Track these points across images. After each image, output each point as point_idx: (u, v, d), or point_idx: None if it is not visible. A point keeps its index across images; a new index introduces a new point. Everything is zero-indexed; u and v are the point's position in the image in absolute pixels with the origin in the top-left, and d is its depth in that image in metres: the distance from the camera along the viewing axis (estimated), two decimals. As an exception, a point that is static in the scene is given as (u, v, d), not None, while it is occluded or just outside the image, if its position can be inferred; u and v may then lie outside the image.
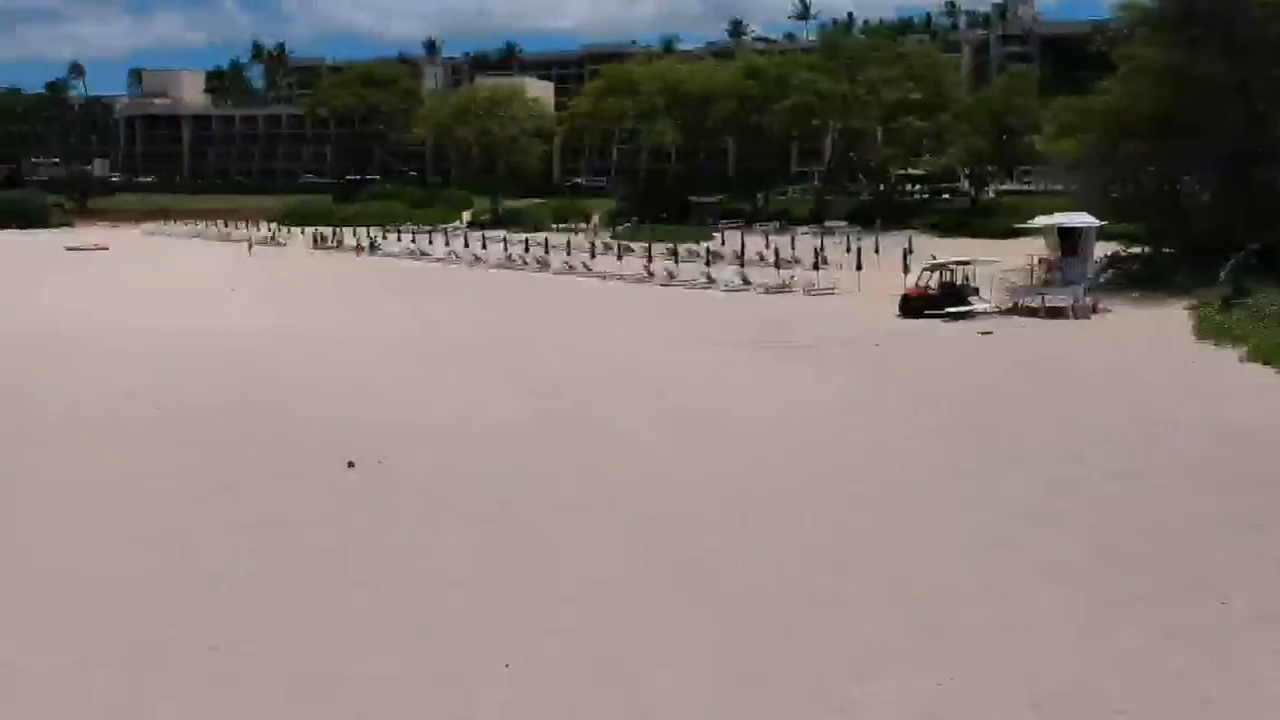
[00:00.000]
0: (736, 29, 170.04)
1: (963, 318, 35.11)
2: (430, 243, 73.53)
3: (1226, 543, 14.05)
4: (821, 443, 19.79)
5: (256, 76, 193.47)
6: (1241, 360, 26.32)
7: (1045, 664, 10.68)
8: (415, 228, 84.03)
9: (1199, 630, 11.42)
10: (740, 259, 53.76)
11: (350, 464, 17.97)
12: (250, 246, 76.12)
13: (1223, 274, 34.41)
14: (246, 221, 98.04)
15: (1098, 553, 13.70)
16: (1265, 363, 25.44)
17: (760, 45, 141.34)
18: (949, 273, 38.33)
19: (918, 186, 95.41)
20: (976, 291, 37.74)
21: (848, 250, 50.70)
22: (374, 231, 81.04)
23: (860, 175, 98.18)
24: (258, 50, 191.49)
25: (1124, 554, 13.66)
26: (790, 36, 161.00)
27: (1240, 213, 38.99)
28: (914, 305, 36.20)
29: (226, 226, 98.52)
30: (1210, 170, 42.03)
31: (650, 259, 52.76)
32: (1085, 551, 13.74)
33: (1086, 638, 11.29)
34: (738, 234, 67.87)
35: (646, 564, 13.63)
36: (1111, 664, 10.69)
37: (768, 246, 57.09)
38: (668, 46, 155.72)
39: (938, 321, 34.72)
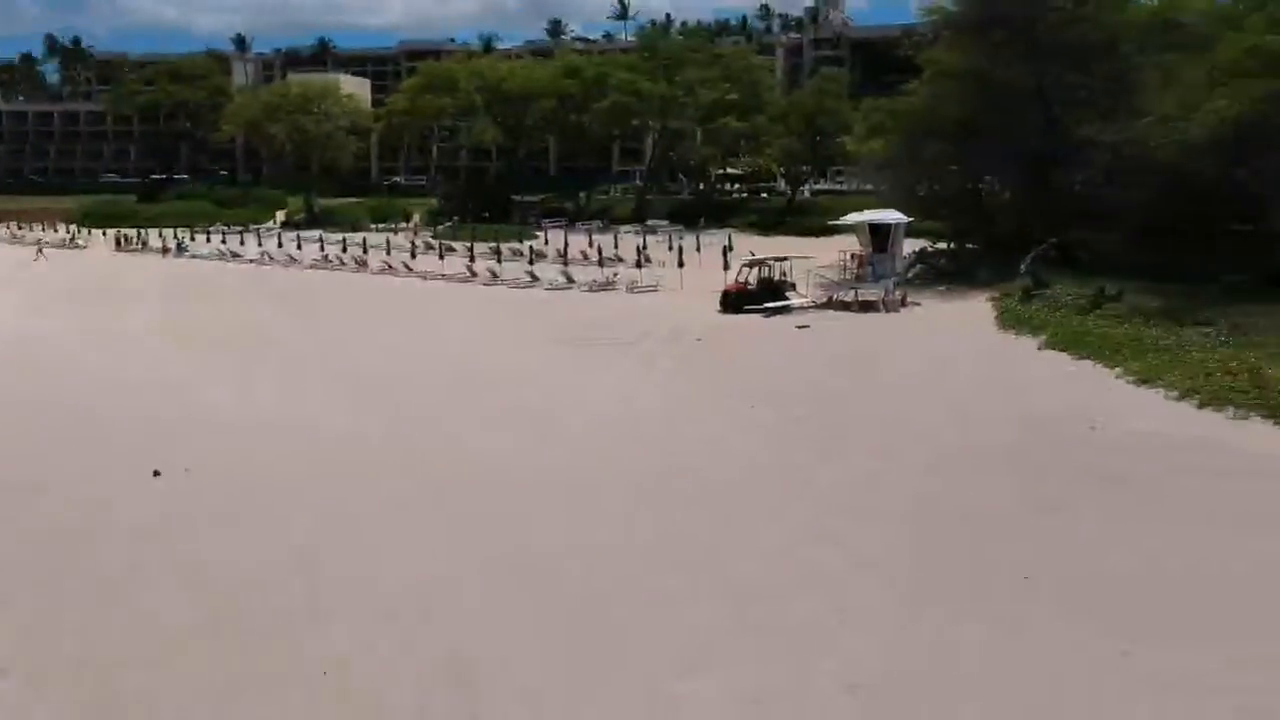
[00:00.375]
0: (555, 28, 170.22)
1: (780, 312, 35.85)
2: (242, 243, 70.91)
3: (1031, 527, 14.67)
4: (649, 439, 19.83)
5: (51, 71, 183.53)
6: (1040, 348, 27.69)
7: (862, 652, 10.92)
8: (226, 228, 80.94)
9: (1006, 613, 11.86)
10: (564, 258, 53.72)
11: (156, 473, 17.13)
12: (40, 249, 71.61)
13: (1022, 268, 36.13)
14: (42, 223, 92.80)
15: (913, 543, 14.11)
16: (1062, 349, 26.85)
17: (579, 45, 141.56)
18: (767, 269, 39.14)
19: (737, 186, 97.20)
20: (793, 287, 38.65)
21: (670, 248, 51.21)
22: (181, 232, 77.76)
23: (681, 175, 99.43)
24: (52, 44, 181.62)
25: (937, 543, 14.11)
26: (609, 37, 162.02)
27: (1038, 211, 40.98)
28: (734, 301, 36.82)
29: (20, 229, 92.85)
30: (1010, 171, 44.08)
31: (473, 258, 52.17)
32: (900, 542, 14.12)
33: (901, 625, 11.60)
34: (561, 233, 67.85)
35: (476, 563, 13.40)
36: (925, 649, 11.00)
37: (591, 245, 57.17)
38: (487, 45, 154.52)
39: (757, 316, 35.36)
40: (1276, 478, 16.46)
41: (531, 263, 51.16)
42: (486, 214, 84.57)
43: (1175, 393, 21.50)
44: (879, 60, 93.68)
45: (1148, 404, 21.37)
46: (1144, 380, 22.72)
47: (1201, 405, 20.57)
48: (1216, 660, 10.56)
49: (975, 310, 34.64)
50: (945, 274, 42.74)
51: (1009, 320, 31.81)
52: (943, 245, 47.28)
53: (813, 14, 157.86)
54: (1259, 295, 29.75)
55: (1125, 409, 21.04)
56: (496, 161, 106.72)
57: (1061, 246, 38.47)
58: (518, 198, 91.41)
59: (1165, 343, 25.74)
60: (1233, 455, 17.54)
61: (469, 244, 56.67)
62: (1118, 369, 23.94)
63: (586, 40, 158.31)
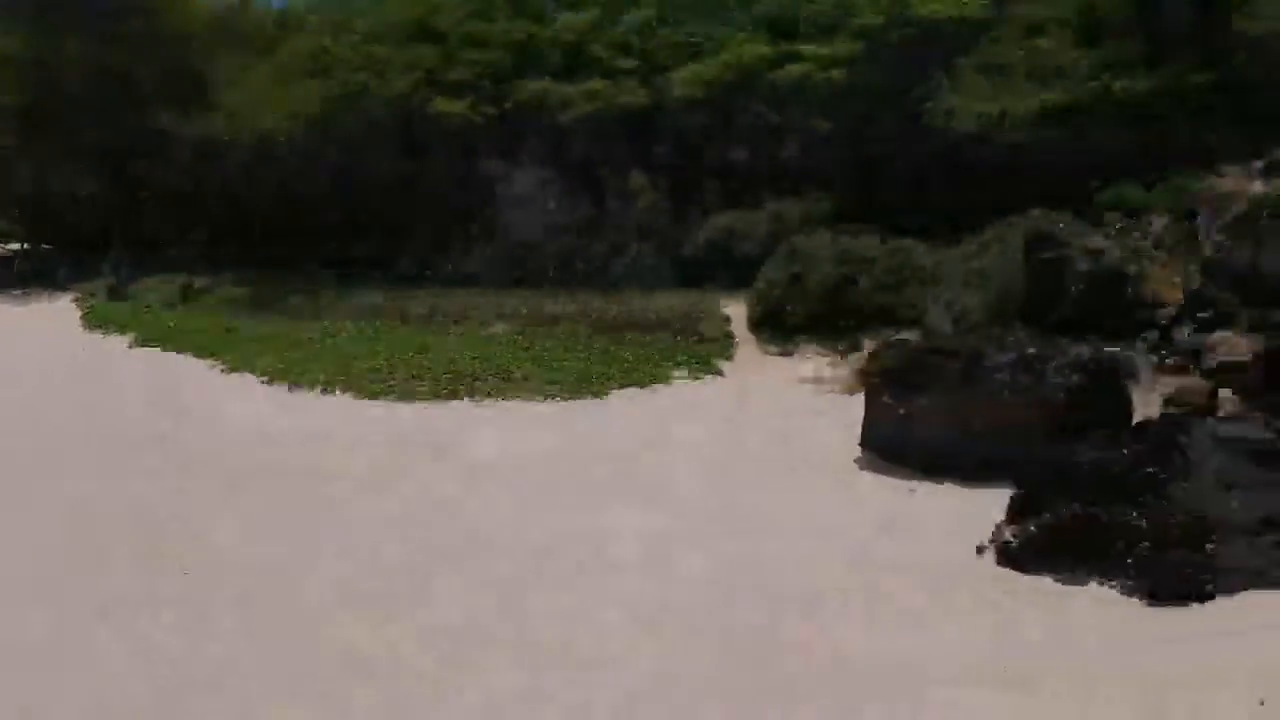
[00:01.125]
0: None
1: None
2: None
3: (149, 525, 13.87)
4: None
5: None
6: (131, 346, 26.71)
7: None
8: None
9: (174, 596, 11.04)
10: None
11: None
12: None
13: (106, 266, 34.59)
14: None
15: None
16: (154, 346, 26.21)
17: None
18: None
19: None
20: None
21: None
22: None
23: None
24: None
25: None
26: None
27: (121, 206, 39.20)
28: None
29: None
30: (87, 165, 41.50)
31: None
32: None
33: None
34: None
35: None
36: (78, 654, 10.01)
37: None
38: None
39: None
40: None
41: None
42: None
43: (267, 377, 22.00)
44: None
45: (241, 390, 21.58)
46: (234, 369, 22.95)
47: (292, 386, 21.29)
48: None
49: (58, 313, 32.38)
50: (22, 276, 39.24)
51: (95, 320, 30.17)
52: (17, 246, 43.42)
53: None
54: (341, 280, 31.52)
55: (219, 398, 20.98)
56: None
57: (149, 243, 37.31)
58: None
59: (258, 331, 26.30)
60: (322, 439, 18.13)
61: None
62: (209, 360, 23.90)
63: None
